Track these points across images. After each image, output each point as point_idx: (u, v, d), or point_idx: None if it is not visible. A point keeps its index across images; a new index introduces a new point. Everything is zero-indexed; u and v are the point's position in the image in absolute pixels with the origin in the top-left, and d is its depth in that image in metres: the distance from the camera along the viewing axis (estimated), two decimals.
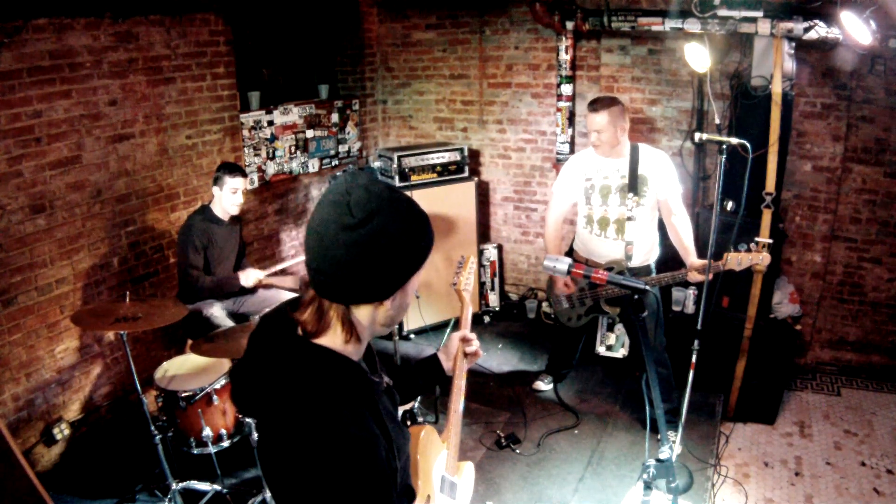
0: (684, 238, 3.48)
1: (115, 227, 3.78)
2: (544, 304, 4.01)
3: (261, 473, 3.09)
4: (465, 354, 1.84)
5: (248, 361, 1.31)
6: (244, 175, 3.71)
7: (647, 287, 1.93)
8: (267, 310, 1.40)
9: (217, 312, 3.66)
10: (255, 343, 1.32)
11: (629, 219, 3.53)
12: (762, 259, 3.17)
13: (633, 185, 3.50)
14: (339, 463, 1.14)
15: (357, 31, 5.49)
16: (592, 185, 3.61)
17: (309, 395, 1.18)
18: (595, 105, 3.46)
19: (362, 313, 1.25)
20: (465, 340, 1.83)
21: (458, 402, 1.86)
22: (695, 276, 3.34)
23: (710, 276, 3.23)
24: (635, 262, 3.59)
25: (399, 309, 1.29)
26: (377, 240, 1.16)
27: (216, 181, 3.67)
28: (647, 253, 3.64)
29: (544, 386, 4.32)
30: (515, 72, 5.25)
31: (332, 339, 1.25)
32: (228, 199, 3.66)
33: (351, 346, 1.27)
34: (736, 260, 3.19)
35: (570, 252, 3.86)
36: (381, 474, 1.19)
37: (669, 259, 3.79)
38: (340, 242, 1.15)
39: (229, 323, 3.65)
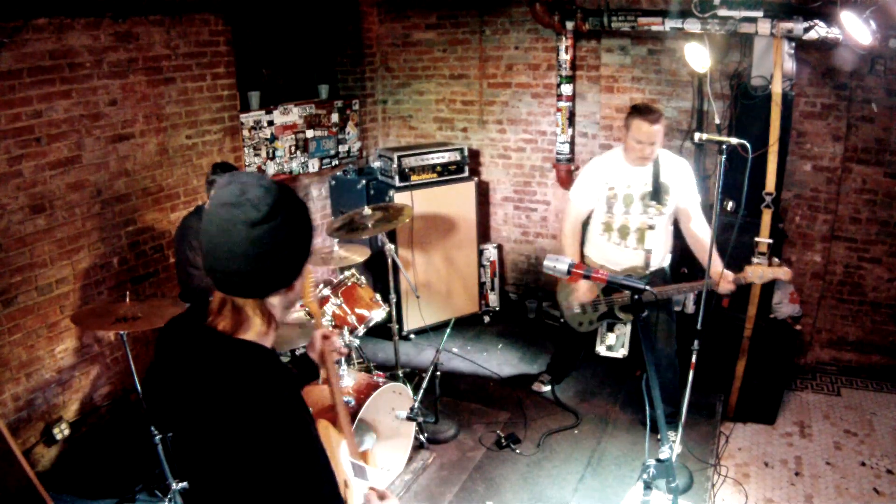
0: (707, 245, 3.33)
1: (115, 227, 3.78)
2: (561, 304, 3.87)
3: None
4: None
5: (169, 369, 1.33)
6: None
7: (647, 287, 1.93)
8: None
9: None
10: (170, 350, 1.35)
11: (651, 227, 3.46)
12: (784, 274, 3.10)
13: (657, 193, 3.42)
14: (288, 443, 1.21)
15: (357, 31, 5.49)
16: (616, 193, 3.50)
17: (249, 387, 1.23)
18: (651, 115, 3.28)
19: (275, 300, 1.32)
20: (326, 338, 1.93)
21: (338, 394, 2.04)
22: (726, 287, 3.25)
23: (718, 285, 3.19)
24: (651, 268, 3.56)
25: (301, 288, 1.37)
26: (287, 227, 1.25)
27: (211, 185, 3.62)
28: (661, 258, 3.61)
29: (544, 387, 4.30)
30: (515, 72, 5.25)
31: (253, 332, 1.30)
32: None
33: (270, 336, 1.34)
34: (758, 273, 3.13)
35: (582, 259, 3.75)
36: (322, 449, 1.30)
37: (680, 263, 3.75)
38: (252, 239, 1.21)
39: None
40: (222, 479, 1.26)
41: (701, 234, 3.45)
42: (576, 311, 3.71)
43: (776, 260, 3.16)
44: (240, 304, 1.29)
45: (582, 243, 3.79)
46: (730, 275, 3.26)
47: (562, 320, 3.91)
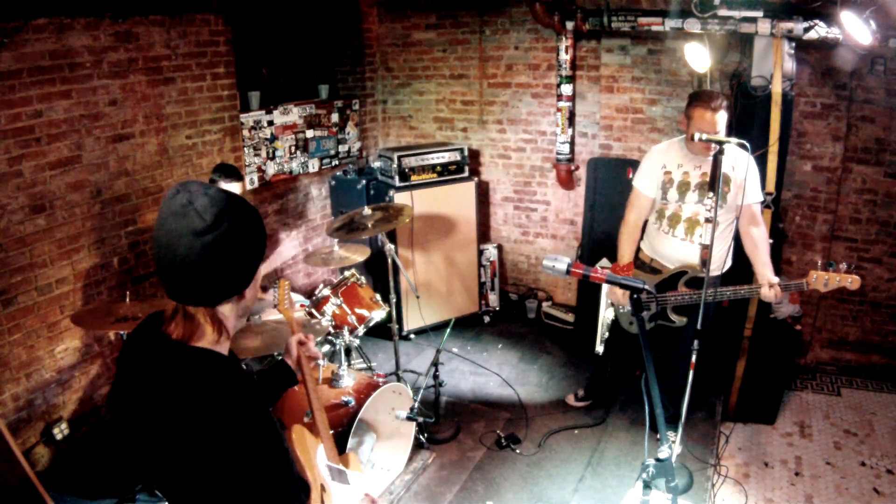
0: (761, 250, 3.22)
1: (115, 227, 3.78)
2: (614, 303, 3.61)
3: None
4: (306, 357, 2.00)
5: (131, 380, 1.34)
6: (240, 179, 3.65)
7: (647, 287, 1.92)
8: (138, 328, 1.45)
9: None
10: (132, 362, 1.36)
11: (707, 220, 3.23)
12: (851, 282, 2.94)
13: (713, 184, 3.16)
14: (242, 447, 1.25)
15: (357, 31, 5.49)
16: (671, 178, 3.32)
17: (201, 393, 1.25)
18: (714, 101, 3.06)
19: (226, 309, 1.33)
20: (301, 343, 1.95)
21: (315, 399, 2.06)
22: (767, 294, 3.11)
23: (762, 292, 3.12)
24: (709, 269, 3.21)
25: (253, 296, 1.38)
26: (234, 235, 1.25)
27: (211, 184, 3.60)
28: (718, 261, 3.32)
29: (576, 402, 4.15)
30: (515, 72, 5.25)
31: (206, 339, 1.32)
32: None
33: (223, 343, 1.35)
34: (822, 280, 2.96)
35: (638, 252, 3.56)
36: (283, 451, 1.35)
37: (738, 271, 3.49)
38: (197, 248, 1.22)
39: None
40: (183, 483, 1.29)
41: (759, 238, 3.23)
42: (628, 308, 3.53)
43: (843, 265, 2.97)
44: (191, 313, 1.30)
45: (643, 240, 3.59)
46: (776, 280, 3.11)
47: (615, 320, 3.70)
